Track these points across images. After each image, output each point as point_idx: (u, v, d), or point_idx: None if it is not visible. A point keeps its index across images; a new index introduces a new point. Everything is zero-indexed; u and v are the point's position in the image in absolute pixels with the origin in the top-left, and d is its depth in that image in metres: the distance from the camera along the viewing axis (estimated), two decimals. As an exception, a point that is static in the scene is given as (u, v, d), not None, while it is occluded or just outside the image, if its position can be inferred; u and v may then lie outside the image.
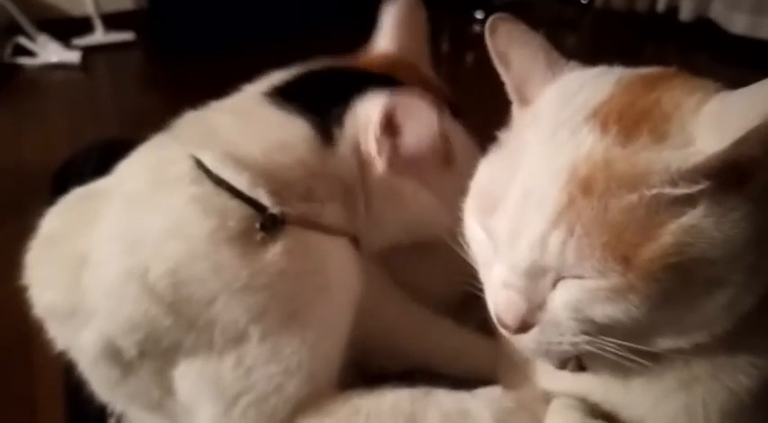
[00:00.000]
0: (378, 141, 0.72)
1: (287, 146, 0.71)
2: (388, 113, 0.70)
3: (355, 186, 0.74)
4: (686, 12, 3.44)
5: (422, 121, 0.71)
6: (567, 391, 0.63)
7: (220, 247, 0.64)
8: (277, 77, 0.79)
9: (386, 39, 0.86)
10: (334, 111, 0.73)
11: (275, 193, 0.68)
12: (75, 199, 0.75)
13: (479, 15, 3.77)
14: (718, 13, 3.29)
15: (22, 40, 3.33)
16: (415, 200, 0.76)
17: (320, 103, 0.74)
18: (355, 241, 0.75)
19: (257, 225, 0.65)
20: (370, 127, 0.72)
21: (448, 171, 0.76)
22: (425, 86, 0.80)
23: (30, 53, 3.35)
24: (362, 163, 0.74)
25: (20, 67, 3.32)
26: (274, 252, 0.65)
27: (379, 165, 0.73)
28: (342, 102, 0.74)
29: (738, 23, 3.13)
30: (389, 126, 0.71)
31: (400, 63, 0.84)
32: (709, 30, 3.30)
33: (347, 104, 0.73)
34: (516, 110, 0.61)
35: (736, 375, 0.55)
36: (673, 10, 3.54)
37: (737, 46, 3.07)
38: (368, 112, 0.72)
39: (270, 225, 0.66)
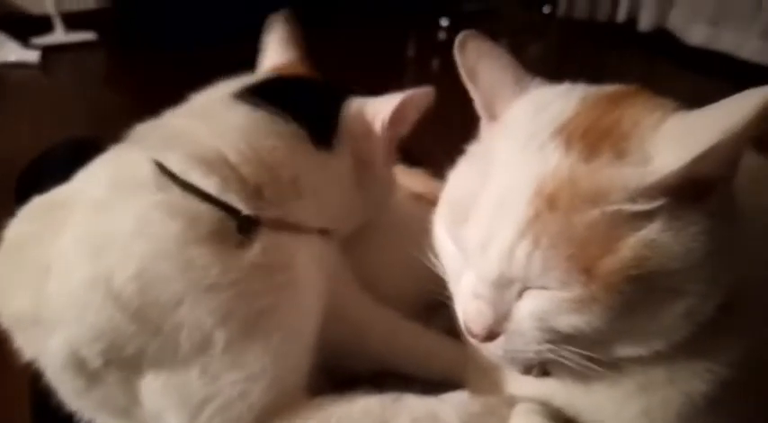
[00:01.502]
0: (383, 127, 0.80)
1: (274, 144, 0.73)
2: (399, 109, 0.80)
3: (347, 177, 0.81)
4: (645, 22, 3.53)
5: (422, 105, 0.82)
6: (532, 396, 0.65)
7: (190, 245, 0.64)
8: (226, 87, 0.80)
9: (278, 53, 0.91)
10: (327, 114, 0.79)
11: (249, 194, 0.68)
12: (37, 207, 0.73)
13: (445, 22, 3.82)
14: (675, 24, 3.38)
15: (-22, 39, 3.26)
16: (387, 182, 0.89)
17: (299, 105, 0.77)
18: (326, 233, 0.77)
19: (234, 228, 0.66)
20: (377, 122, 0.80)
21: (393, 157, 0.89)
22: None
23: (-14, 52, 3.28)
24: (359, 156, 0.81)
25: (-25, 66, 3.25)
26: (251, 253, 0.66)
27: (380, 157, 0.82)
28: (327, 106, 0.80)
29: (696, 35, 3.22)
30: (398, 116, 0.80)
31: (306, 68, 0.91)
32: (667, 40, 3.38)
33: (337, 109, 0.80)
34: (485, 124, 0.62)
35: (692, 381, 0.57)
36: (632, 20, 3.63)
37: (696, 56, 3.15)
38: (364, 112, 0.81)
39: (246, 227, 0.67)
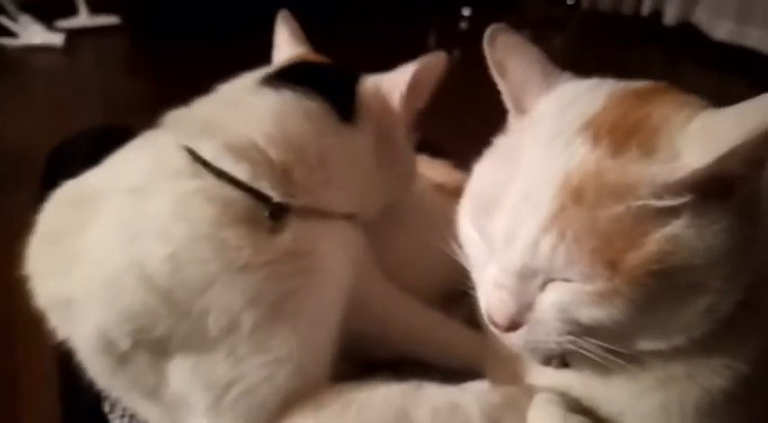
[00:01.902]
0: (402, 98, 0.81)
1: (302, 124, 0.74)
2: (416, 78, 0.81)
3: (370, 154, 0.81)
4: (670, 16, 3.49)
5: (438, 70, 0.83)
6: (551, 386, 0.66)
7: (224, 227, 0.65)
8: (255, 75, 0.82)
9: (290, 47, 0.93)
10: (344, 95, 0.80)
11: (279, 180, 0.70)
12: (69, 193, 0.75)
13: (466, 12, 3.80)
14: (701, 18, 3.34)
15: (3, 20, 3.28)
16: (413, 158, 0.91)
17: (322, 86, 0.78)
18: (351, 217, 0.79)
19: (266, 214, 0.68)
20: (395, 95, 0.81)
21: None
22: None
23: (11, 34, 3.30)
24: (380, 132, 0.82)
25: (0, 48, 3.27)
26: (281, 239, 0.68)
27: (400, 131, 0.84)
28: (347, 85, 0.82)
29: (721, 30, 3.18)
30: (415, 86, 0.82)
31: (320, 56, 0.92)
32: (692, 35, 3.35)
33: (354, 88, 0.81)
34: (513, 117, 0.63)
35: (710, 376, 0.58)
36: (657, 14, 3.59)
37: (720, 52, 3.12)
38: (380, 88, 0.82)
39: (278, 214, 0.68)
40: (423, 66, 0.81)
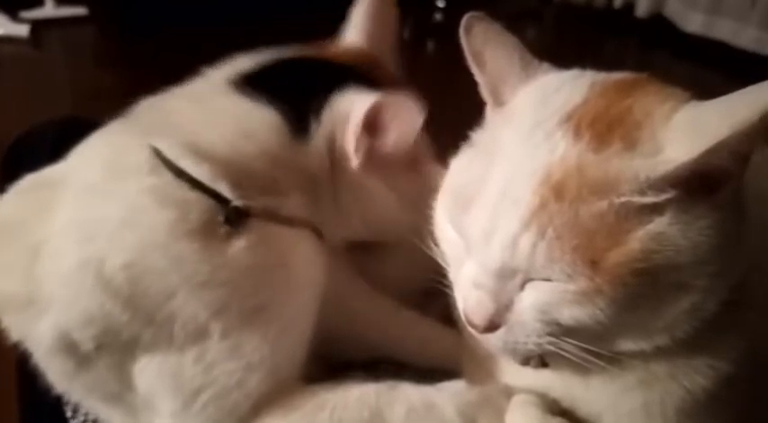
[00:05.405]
0: (357, 139, 0.72)
1: (253, 135, 0.70)
2: (375, 112, 0.70)
3: (323, 179, 0.74)
4: (642, 9, 3.52)
5: (408, 121, 0.71)
6: (529, 387, 0.64)
7: (180, 239, 0.62)
8: (242, 64, 0.77)
9: (354, 32, 0.85)
10: (311, 104, 0.72)
11: (237, 184, 0.66)
12: (29, 187, 0.72)
13: (441, 4, 3.79)
14: (673, 11, 3.37)
15: (-34, 11, 3.21)
16: (381, 199, 0.77)
17: (290, 94, 0.73)
18: (318, 233, 0.74)
19: (221, 218, 0.64)
20: (352, 124, 0.71)
21: (413, 175, 0.77)
22: (389, 84, 0.79)
23: (-26, 24, 3.23)
24: (335, 157, 0.74)
25: (-37, 39, 3.19)
26: (238, 247, 0.64)
27: (354, 161, 0.73)
28: (317, 95, 0.73)
29: (693, 22, 3.21)
30: (372, 124, 0.71)
31: (366, 57, 0.83)
32: (665, 27, 3.37)
33: (325, 99, 0.72)
34: (490, 110, 0.61)
35: (693, 376, 0.56)
36: (629, 6, 3.62)
37: (693, 44, 3.15)
38: (349, 108, 0.71)
39: (234, 218, 0.65)
40: (385, 103, 0.69)
